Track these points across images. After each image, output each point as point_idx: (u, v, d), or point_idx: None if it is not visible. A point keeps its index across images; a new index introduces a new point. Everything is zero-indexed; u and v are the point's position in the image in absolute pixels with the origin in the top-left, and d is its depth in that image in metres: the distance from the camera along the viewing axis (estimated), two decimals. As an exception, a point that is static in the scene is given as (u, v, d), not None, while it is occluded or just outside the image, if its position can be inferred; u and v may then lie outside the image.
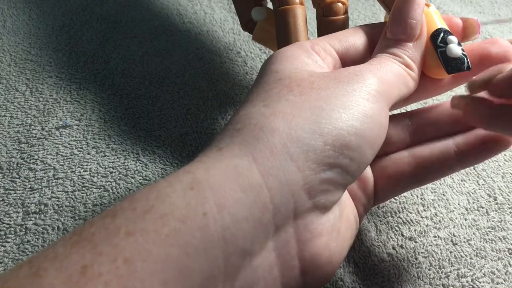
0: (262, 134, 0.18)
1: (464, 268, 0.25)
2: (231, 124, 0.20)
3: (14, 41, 0.40)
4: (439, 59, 0.23)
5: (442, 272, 0.24)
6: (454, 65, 0.22)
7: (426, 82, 0.24)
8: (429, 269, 0.25)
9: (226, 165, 0.17)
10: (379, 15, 0.45)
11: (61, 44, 0.40)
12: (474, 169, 0.30)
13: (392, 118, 0.22)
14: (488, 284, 0.24)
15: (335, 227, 0.20)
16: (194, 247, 0.16)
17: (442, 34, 0.23)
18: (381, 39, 0.23)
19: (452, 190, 0.28)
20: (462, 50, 0.22)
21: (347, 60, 0.23)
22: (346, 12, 0.28)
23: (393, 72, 0.21)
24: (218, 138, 0.19)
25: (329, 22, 0.27)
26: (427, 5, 0.25)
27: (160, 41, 0.40)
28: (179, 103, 0.34)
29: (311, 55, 0.22)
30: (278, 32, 0.27)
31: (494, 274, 0.24)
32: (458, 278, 0.24)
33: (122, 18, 0.43)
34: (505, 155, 0.31)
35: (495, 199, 0.28)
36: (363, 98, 0.19)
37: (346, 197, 0.22)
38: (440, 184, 0.29)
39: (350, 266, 0.25)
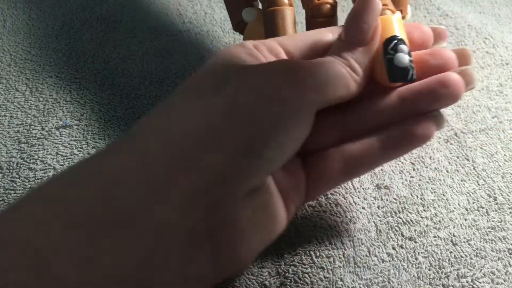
0: (182, 119, 0.19)
1: (464, 268, 0.25)
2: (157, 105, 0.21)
3: (14, 41, 0.40)
4: (385, 66, 0.23)
5: (442, 272, 0.24)
6: (398, 74, 0.22)
7: (377, 88, 0.24)
8: (429, 269, 0.25)
9: (137, 149, 0.18)
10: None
11: (61, 44, 0.40)
12: (474, 169, 0.30)
13: (322, 115, 0.22)
14: (488, 284, 0.24)
15: (254, 214, 0.20)
16: (103, 226, 0.16)
17: (394, 42, 0.23)
18: (336, 40, 0.24)
19: (452, 190, 0.28)
20: (411, 61, 0.23)
21: (301, 59, 0.23)
22: (335, 13, 0.28)
23: (332, 72, 0.22)
24: (134, 126, 0.20)
25: (317, 23, 0.27)
26: (392, 11, 0.25)
27: (160, 41, 0.40)
28: (179, 103, 0.34)
29: (251, 53, 0.22)
30: (266, 33, 0.27)
31: (494, 274, 0.24)
32: (458, 278, 0.24)
33: (122, 18, 0.43)
34: (505, 155, 0.31)
35: (495, 199, 0.28)
36: (288, 88, 0.20)
37: (275, 192, 0.22)
38: (440, 184, 0.29)
39: (350, 266, 0.25)
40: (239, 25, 0.32)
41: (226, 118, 0.19)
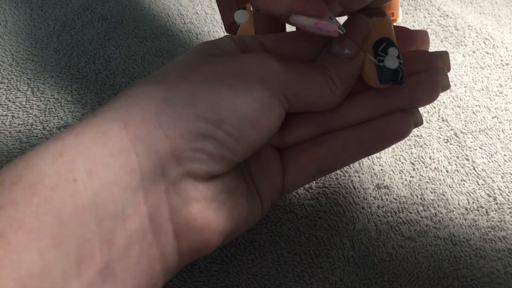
0: (137, 100, 0.19)
1: (463, 268, 0.25)
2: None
3: (15, 41, 0.40)
4: (375, 68, 0.23)
5: (441, 272, 0.25)
6: (388, 76, 0.23)
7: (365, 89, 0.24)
8: (429, 269, 0.25)
9: (96, 130, 0.18)
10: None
11: (63, 44, 0.40)
12: (474, 169, 0.30)
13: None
14: (488, 284, 0.24)
15: (217, 199, 0.20)
16: (66, 214, 0.16)
17: (384, 44, 0.23)
18: (324, 50, 0.24)
19: (451, 190, 0.29)
20: (400, 64, 0.23)
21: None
22: None
23: (308, 74, 0.22)
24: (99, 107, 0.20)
25: None
26: (383, 14, 0.25)
27: (161, 41, 0.40)
28: (179, 103, 0.34)
29: (227, 49, 0.22)
30: (257, 35, 0.27)
31: (494, 274, 0.24)
32: (458, 278, 0.24)
33: (123, 18, 0.43)
34: (505, 155, 0.31)
35: (495, 199, 0.28)
36: (254, 80, 0.20)
37: (243, 182, 0.22)
38: (439, 184, 0.29)
39: (349, 266, 0.25)
40: (231, 27, 0.32)
41: (187, 104, 0.19)
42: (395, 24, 0.28)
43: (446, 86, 0.24)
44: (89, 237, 0.16)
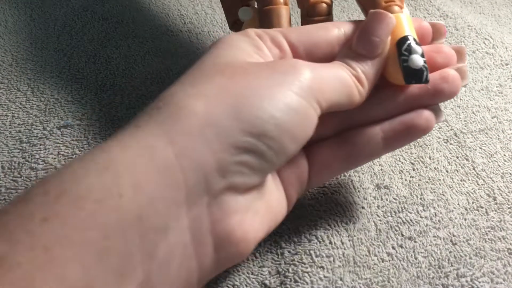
0: (181, 115, 0.18)
1: (463, 268, 0.25)
2: (155, 102, 0.20)
3: (15, 41, 0.40)
4: (400, 68, 0.23)
5: (441, 272, 0.25)
6: (413, 76, 0.23)
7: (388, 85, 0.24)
8: (429, 269, 0.25)
9: (142, 144, 0.18)
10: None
11: (63, 44, 0.40)
12: (473, 169, 0.30)
13: None
14: (488, 284, 0.24)
15: (253, 208, 0.20)
16: (111, 229, 0.16)
17: (408, 42, 0.23)
18: (345, 47, 0.24)
19: (451, 190, 0.29)
20: (424, 62, 0.23)
21: (303, 53, 0.23)
22: (330, 12, 0.28)
23: (338, 78, 0.22)
24: (139, 115, 0.19)
25: (312, 22, 0.27)
26: (400, 7, 0.25)
27: (161, 41, 0.40)
28: (180, 103, 0.34)
29: (255, 44, 0.22)
30: None
31: (494, 274, 0.25)
32: (458, 278, 0.24)
33: (123, 18, 0.43)
34: (504, 155, 0.31)
35: (495, 199, 0.28)
36: (292, 91, 0.20)
37: (272, 184, 0.22)
38: (439, 184, 0.29)
39: (349, 265, 0.25)
40: (235, 24, 0.32)
41: (231, 118, 0.19)
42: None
43: (465, 81, 0.25)
44: (132, 252, 0.16)
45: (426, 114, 0.24)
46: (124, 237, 0.16)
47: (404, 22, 0.24)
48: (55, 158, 0.30)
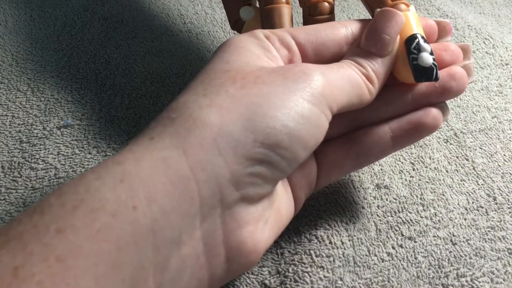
0: (194, 126, 0.18)
1: (463, 267, 0.25)
2: (167, 112, 0.20)
3: (15, 41, 0.40)
4: (409, 66, 0.23)
5: (441, 272, 0.25)
6: (424, 74, 0.23)
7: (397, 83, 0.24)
8: (429, 269, 0.25)
9: (156, 157, 0.18)
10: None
11: (63, 44, 0.40)
12: (473, 169, 0.30)
13: None
14: (488, 284, 0.24)
15: (263, 217, 0.20)
16: (125, 241, 0.16)
17: (416, 40, 0.23)
18: (354, 46, 0.24)
19: (451, 190, 0.29)
20: (434, 59, 0.23)
21: (312, 53, 0.23)
22: (332, 11, 0.28)
23: (348, 79, 0.21)
24: (152, 126, 0.19)
25: (314, 21, 0.27)
26: (407, 5, 0.25)
27: (161, 41, 0.40)
28: (180, 103, 0.34)
29: (264, 46, 0.22)
30: None
31: (494, 274, 0.25)
32: (458, 278, 0.24)
33: (123, 18, 0.43)
34: (504, 155, 0.31)
35: (495, 199, 0.28)
36: (304, 99, 0.20)
37: (280, 189, 0.22)
38: (439, 184, 0.29)
39: (349, 265, 0.25)
40: (236, 24, 0.32)
41: (245, 129, 0.18)
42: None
43: (471, 78, 0.25)
44: (144, 264, 0.16)
45: (434, 112, 0.24)
46: (137, 249, 0.16)
47: (412, 20, 0.24)
48: (55, 158, 0.30)
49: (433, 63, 0.23)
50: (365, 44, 0.23)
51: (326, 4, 0.27)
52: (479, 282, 0.24)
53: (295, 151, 0.19)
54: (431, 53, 0.23)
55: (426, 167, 0.30)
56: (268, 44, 0.22)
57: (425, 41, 0.23)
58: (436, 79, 0.23)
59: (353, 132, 0.25)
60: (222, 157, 0.18)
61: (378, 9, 0.24)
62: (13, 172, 0.29)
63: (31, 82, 0.36)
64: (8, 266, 0.14)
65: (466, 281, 0.24)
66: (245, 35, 0.23)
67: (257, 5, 0.31)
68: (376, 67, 0.23)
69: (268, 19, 0.27)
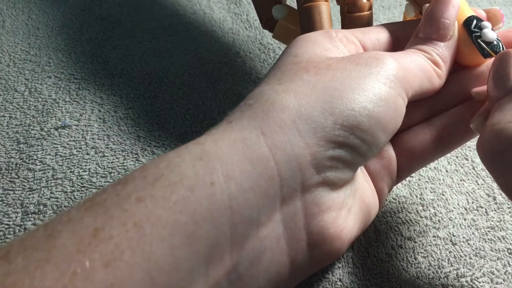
0: (272, 109, 0.18)
1: (463, 268, 0.25)
2: (244, 101, 0.20)
3: (13, 41, 0.40)
4: (475, 44, 0.23)
5: (441, 272, 0.24)
6: (490, 49, 0.23)
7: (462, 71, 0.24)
8: (428, 269, 0.25)
9: (234, 137, 0.18)
10: (397, 18, 0.45)
11: (60, 44, 0.40)
12: (473, 169, 0.30)
13: None
14: (488, 284, 0.24)
15: (346, 205, 0.20)
16: (201, 215, 0.16)
17: (475, 21, 0.23)
18: (413, 37, 0.24)
19: (451, 190, 0.28)
20: (496, 35, 0.23)
21: (372, 50, 0.23)
22: (370, 8, 0.28)
23: (417, 64, 0.22)
24: (230, 113, 0.20)
25: (354, 18, 0.27)
26: None
27: (159, 41, 0.40)
28: (178, 103, 0.34)
29: (333, 41, 0.22)
30: (303, 29, 0.27)
31: (494, 274, 0.24)
32: (457, 278, 0.24)
33: (121, 18, 0.43)
34: (504, 154, 0.31)
35: (494, 199, 0.28)
36: (380, 82, 0.20)
37: (363, 179, 0.22)
38: (439, 184, 0.29)
39: (349, 266, 0.25)
40: (268, 23, 0.32)
41: (324, 111, 0.18)
42: None
43: None
44: (221, 240, 0.17)
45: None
46: (214, 224, 0.16)
47: (465, 5, 0.24)
48: (52, 159, 0.30)
49: (497, 38, 0.23)
50: (426, 32, 0.23)
51: (365, 0, 0.27)
52: (479, 282, 0.24)
53: (375, 134, 0.19)
54: (492, 30, 0.23)
55: (426, 166, 0.30)
56: (338, 42, 0.22)
57: (482, 20, 0.23)
58: (504, 49, 0.23)
59: (430, 118, 0.24)
60: (302, 138, 0.18)
61: (427, 4, 0.24)
62: (11, 173, 0.29)
63: (28, 82, 0.36)
64: (89, 226, 0.15)
65: (466, 281, 0.24)
66: (314, 32, 0.23)
67: (288, 3, 0.31)
68: (441, 52, 0.23)
69: (307, 17, 0.26)
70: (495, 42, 0.23)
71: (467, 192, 0.28)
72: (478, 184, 0.29)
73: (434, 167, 0.30)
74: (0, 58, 0.38)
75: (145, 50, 0.39)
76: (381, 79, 0.20)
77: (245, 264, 0.17)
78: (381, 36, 0.24)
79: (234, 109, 0.20)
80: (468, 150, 0.31)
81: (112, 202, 0.16)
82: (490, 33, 0.23)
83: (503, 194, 0.28)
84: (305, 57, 0.21)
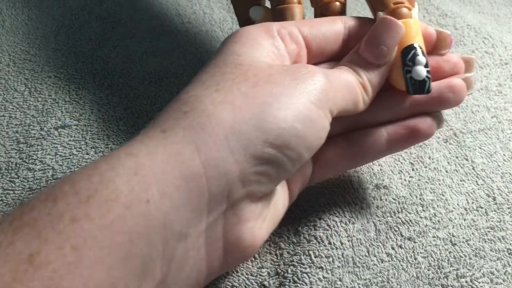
0: (208, 122, 0.19)
1: (463, 268, 0.25)
2: (178, 104, 0.20)
3: (13, 41, 0.40)
4: (403, 77, 0.23)
5: (441, 272, 0.24)
6: (416, 87, 0.23)
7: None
8: (428, 269, 0.25)
9: (169, 151, 0.18)
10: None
11: (60, 44, 0.40)
12: (473, 169, 0.30)
13: None
14: (487, 284, 0.24)
15: (262, 215, 0.21)
16: (137, 234, 0.16)
17: (413, 52, 0.23)
18: (352, 51, 0.24)
19: (451, 190, 0.28)
20: (428, 72, 0.23)
21: (315, 48, 0.24)
22: (344, 11, 0.28)
23: (347, 86, 0.22)
24: (162, 117, 0.20)
25: None
26: (409, 9, 0.25)
27: (159, 41, 0.40)
28: (178, 103, 0.34)
29: (275, 41, 0.23)
30: None
31: (493, 274, 0.24)
32: (457, 278, 0.24)
33: (121, 18, 0.43)
34: (504, 155, 0.31)
35: (494, 199, 0.28)
36: (311, 102, 0.20)
37: (278, 187, 0.23)
38: (439, 184, 0.29)
39: (348, 266, 0.25)
40: (246, 24, 0.32)
41: (256, 129, 0.19)
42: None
43: (471, 90, 0.26)
44: (154, 257, 0.17)
45: (429, 120, 0.25)
46: (148, 242, 0.17)
47: (412, 28, 0.24)
48: (52, 159, 0.30)
49: (426, 76, 0.23)
50: (364, 53, 0.23)
51: (338, 3, 0.27)
52: (479, 282, 0.24)
53: (300, 152, 0.20)
54: (426, 65, 0.23)
55: (426, 167, 0.30)
56: (279, 42, 0.23)
57: (422, 53, 0.23)
58: (428, 91, 0.23)
59: (350, 133, 0.25)
60: (233, 155, 0.19)
61: (381, 13, 0.24)
62: (11, 173, 0.29)
63: (28, 82, 0.36)
64: (23, 252, 0.15)
65: (466, 281, 0.24)
66: (257, 26, 0.23)
67: (266, 5, 0.31)
68: (372, 77, 0.23)
69: (280, 19, 0.27)
70: (423, 81, 0.23)
71: (467, 193, 0.28)
72: (478, 185, 0.29)
73: (434, 168, 0.30)
74: (0, 58, 0.38)
75: (145, 50, 0.39)
76: (313, 99, 0.20)
77: (172, 275, 0.18)
78: (330, 33, 0.24)
79: (167, 111, 0.20)
80: (468, 150, 0.31)
81: (44, 223, 0.15)
82: (420, 71, 0.23)
83: (503, 194, 0.28)
84: (247, 60, 0.21)
